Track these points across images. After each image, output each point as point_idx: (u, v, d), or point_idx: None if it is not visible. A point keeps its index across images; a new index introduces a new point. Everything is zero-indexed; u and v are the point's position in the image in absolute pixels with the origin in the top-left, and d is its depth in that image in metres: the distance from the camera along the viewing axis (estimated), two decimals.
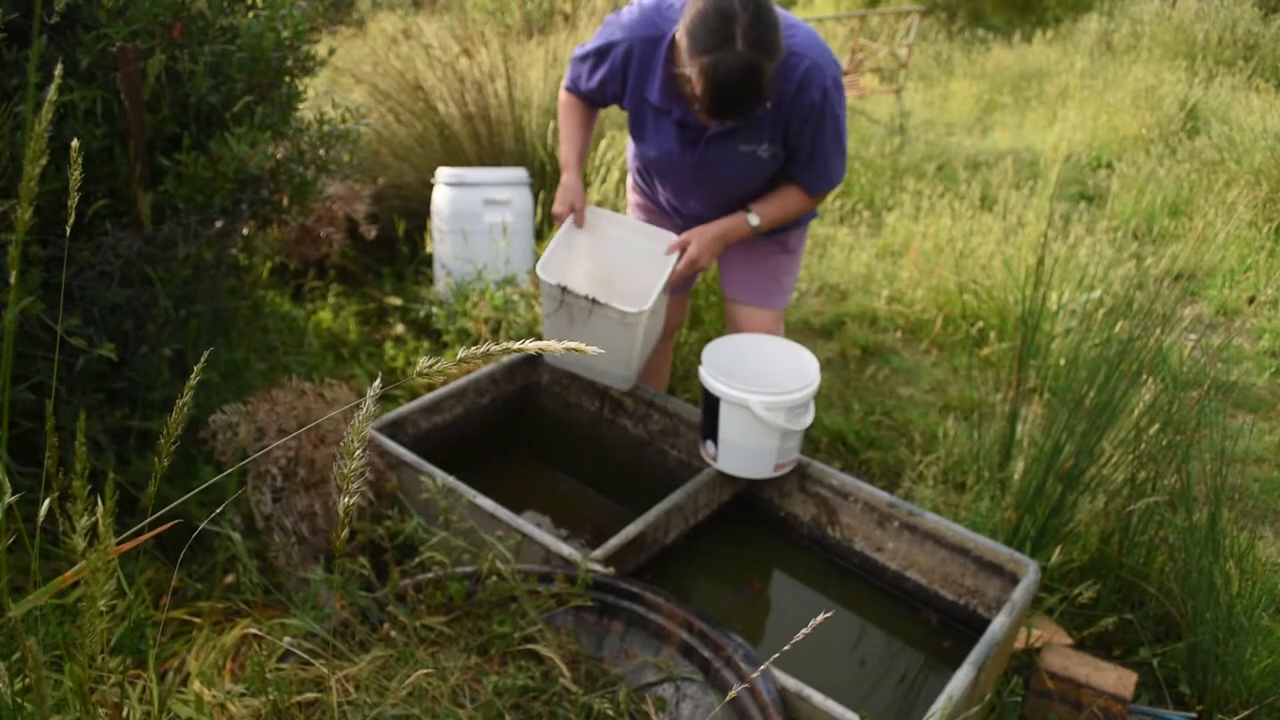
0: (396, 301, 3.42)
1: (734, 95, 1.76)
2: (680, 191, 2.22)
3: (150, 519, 0.93)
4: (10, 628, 0.95)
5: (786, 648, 1.04)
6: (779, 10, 1.92)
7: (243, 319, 2.69)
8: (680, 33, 1.82)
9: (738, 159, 2.01)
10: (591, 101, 2.17)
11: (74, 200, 0.92)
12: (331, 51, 2.41)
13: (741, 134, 1.97)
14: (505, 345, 0.75)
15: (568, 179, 2.22)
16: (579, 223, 2.24)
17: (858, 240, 4.48)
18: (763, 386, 1.94)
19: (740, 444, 1.97)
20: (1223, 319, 3.99)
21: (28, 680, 0.91)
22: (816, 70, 1.88)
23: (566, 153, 2.22)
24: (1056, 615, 2.06)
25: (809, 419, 2.00)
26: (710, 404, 1.98)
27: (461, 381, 2.31)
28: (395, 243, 3.65)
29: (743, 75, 1.73)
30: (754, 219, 2.09)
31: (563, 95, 2.20)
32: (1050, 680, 1.81)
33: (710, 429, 2.00)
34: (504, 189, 3.34)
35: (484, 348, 0.76)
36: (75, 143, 0.92)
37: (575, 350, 0.74)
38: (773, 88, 1.86)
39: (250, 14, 2.13)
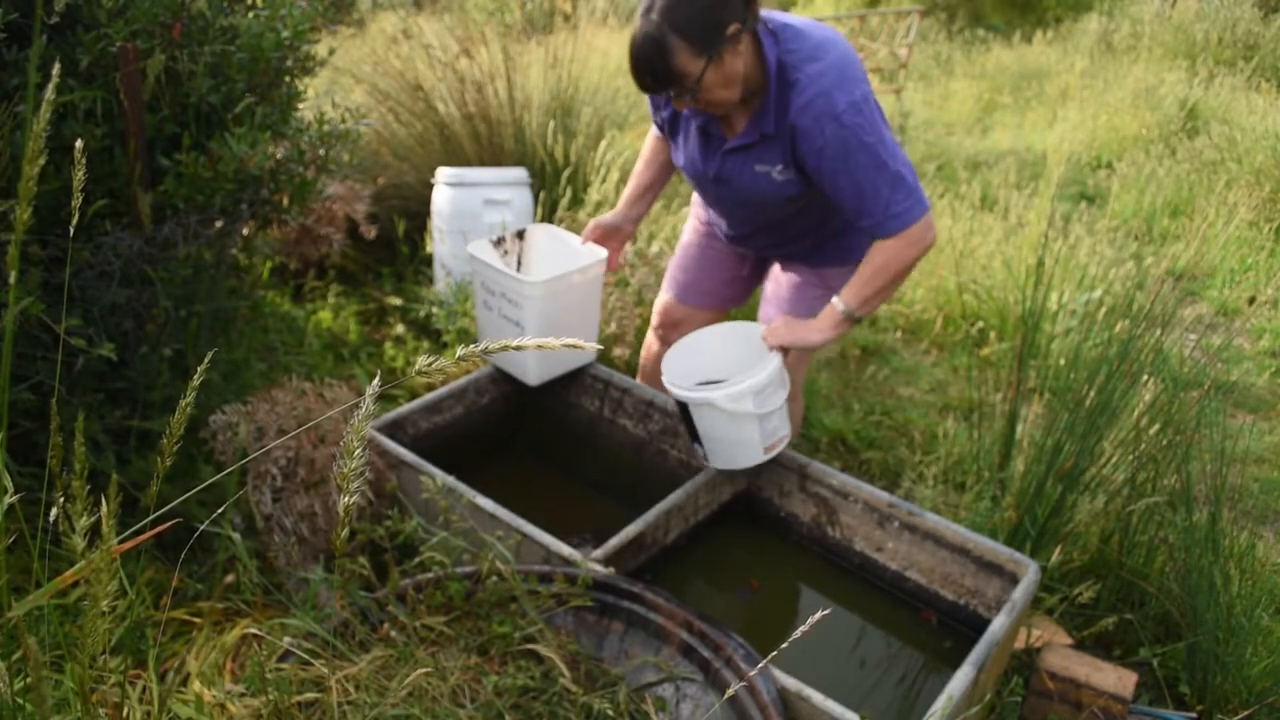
0: (396, 301, 3.42)
1: (636, 63, 1.76)
2: (712, 207, 2.17)
3: (150, 518, 0.93)
4: (11, 627, 0.95)
5: (785, 645, 1.04)
6: (813, 27, 1.84)
7: (243, 319, 2.69)
8: None
9: (754, 178, 1.93)
10: (659, 129, 2.17)
11: (77, 200, 0.92)
12: (331, 51, 2.42)
13: (756, 152, 1.90)
14: (504, 344, 0.75)
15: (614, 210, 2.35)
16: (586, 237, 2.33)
17: None
18: (728, 374, 1.93)
19: (722, 439, 1.97)
20: (1223, 319, 3.99)
21: (28, 680, 0.91)
22: (822, 99, 1.74)
23: (627, 188, 2.33)
24: (1056, 615, 2.06)
25: (782, 395, 1.97)
26: (682, 410, 1.98)
27: (461, 381, 2.31)
28: (395, 243, 3.66)
29: (642, 43, 1.72)
30: (841, 305, 1.91)
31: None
32: (1050, 680, 1.81)
33: (692, 432, 2.01)
34: (504, 189, 3.34)
35: (483, 345, 0.76)
36: (79, 143, 0.92)
37: (573, 346, 0.74)
38: (780, 113, 1.81)
39: (250, 14, 2.13)
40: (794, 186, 1.92)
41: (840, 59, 1.78)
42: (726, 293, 2.38)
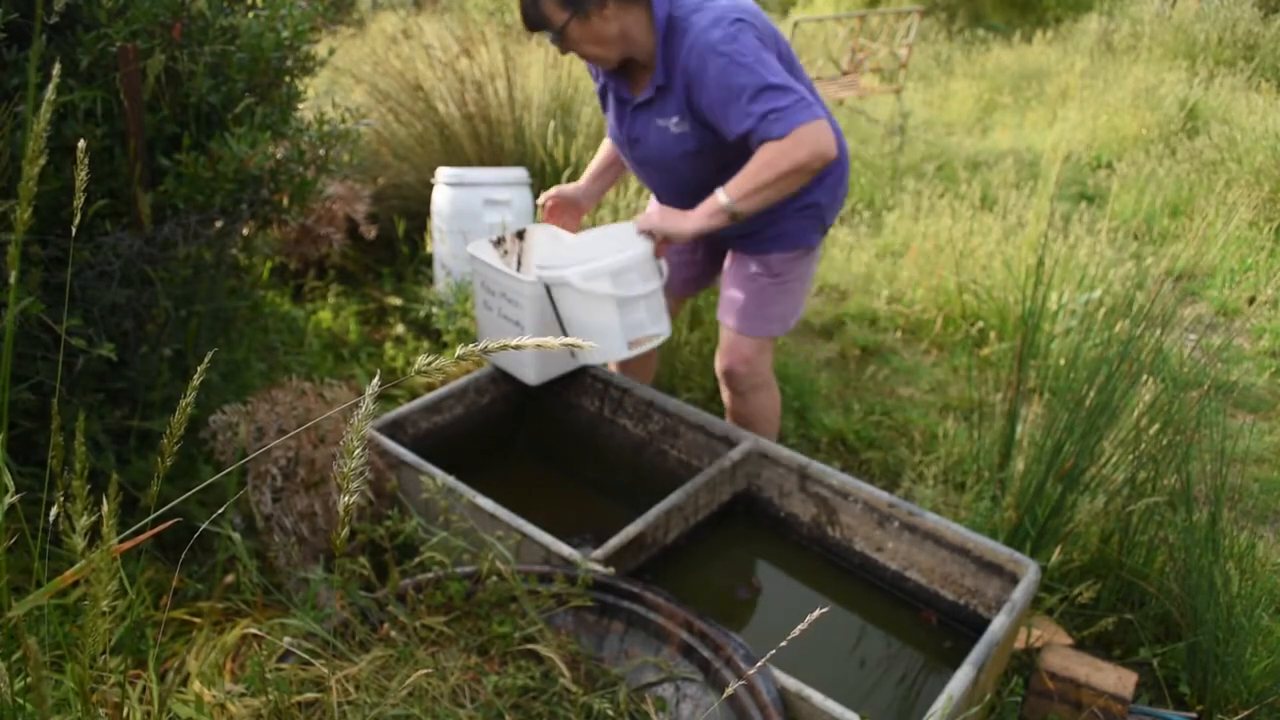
0: (396, 301, 3.42)
1: (522, 7, 1.94)
2: (639, 178, 2.24)
3: (150, 518, 0.93)
4: (11, 627, 0.95)
5: (783, 644, 1.04)
6: None
7: (243, 319, 2.69)
8: None
9: (658, 133, 2.03)
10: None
11: (79, 201, 0.92)
12: (331, 51, 2.42)
13: (656, 106, 2.00)
14: (503, 343, 0.75)
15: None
16: (545, 201, 2.40)
17: (858, 240, 4.48)
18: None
19: (582, 325, 2.00)
20: (1223, 319, 3.99)
21: (28, 680, 0.91)
22: (702, 38, 1.85)
23: (591, 163, 2.45)
24: (1056, 615, 2.06)
25: (649, 286, 2.00)
26: (550, 300, 2.03)
27: (461, 381, 2.31)
28: (395, 243, 3.66)
29: None
30: (723, 196, 1.92)
31: None
32: (1050, 680, 1.81)
33: (560, 326, 2.06)
34: (504, 189, 3.34)
35: (483, 345, 0.76)
36: (82, 144, 0.92)
37: (573, 346, 0.74)
38: (669, 63, 1.92)
39: (250, 14, 2.13)
40: (691, 140, 2.00)
41: (726, 6, 1.88)
42: (675, 275, 2.40)
